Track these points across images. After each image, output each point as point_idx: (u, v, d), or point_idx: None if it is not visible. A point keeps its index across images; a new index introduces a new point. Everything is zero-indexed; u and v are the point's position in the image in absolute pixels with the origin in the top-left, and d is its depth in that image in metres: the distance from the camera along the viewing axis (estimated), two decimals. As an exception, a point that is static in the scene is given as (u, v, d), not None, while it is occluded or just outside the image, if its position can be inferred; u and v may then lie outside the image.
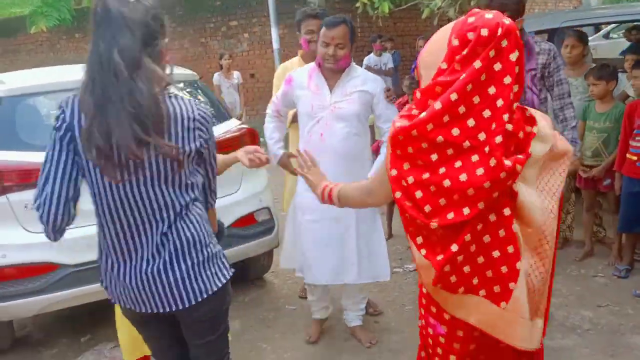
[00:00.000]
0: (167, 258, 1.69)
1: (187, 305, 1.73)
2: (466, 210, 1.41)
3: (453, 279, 1.48)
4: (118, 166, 1.57)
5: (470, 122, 1.42)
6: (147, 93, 1.52)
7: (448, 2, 5.38)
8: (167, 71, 1.66)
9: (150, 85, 1.54)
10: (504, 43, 1.41)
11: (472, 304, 1.52)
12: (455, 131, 1.42)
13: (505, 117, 1.39)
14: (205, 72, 9.59)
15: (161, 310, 1.74)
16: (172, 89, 1.68)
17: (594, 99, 3.90)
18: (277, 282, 4.12)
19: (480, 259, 1.48)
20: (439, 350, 1.68)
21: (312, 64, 2.95)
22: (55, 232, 1.62)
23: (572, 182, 4.08)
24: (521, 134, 1.47)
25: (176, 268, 1.70)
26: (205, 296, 1.74)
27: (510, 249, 1.48)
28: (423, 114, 1.44)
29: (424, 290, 1.64)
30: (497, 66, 1.41)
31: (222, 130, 3.50)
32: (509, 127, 1.42)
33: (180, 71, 4.35)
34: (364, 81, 2.90)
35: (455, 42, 1.44)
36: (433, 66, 1.48)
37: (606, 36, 12.20)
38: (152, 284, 1.69)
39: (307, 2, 9.14)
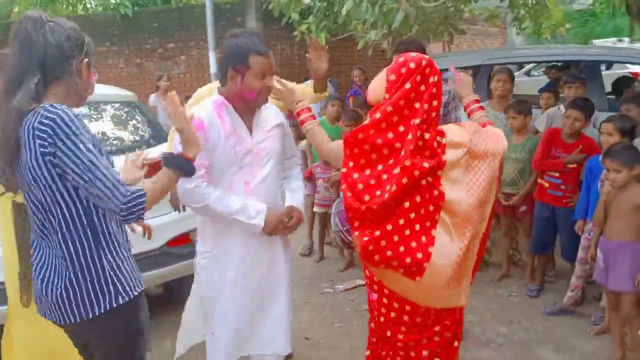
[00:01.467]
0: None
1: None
2: (387, 194, 1.90)
3: (376, 257, 1.96)
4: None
5: (401, 128, 1.96)
6: (8, 116, 1.62)
7: (381, 35, 5.67)
8: (89, 89, 1.78)
9: (18, 107, 1.61)
10: (427, 70, 2.01)
11: (392, 277, 2.02)
12: (390, 135, 1.96)
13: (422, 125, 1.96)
14: (139, 93, 9.50)
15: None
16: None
17: (512, 131, 4.23)
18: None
19: (402, 248, 1.93)
20: (375, 314, 2.20)
21: (214, 99, 2.34)
22: None
23: (490, 209, 4.37)
24: (435, 143, 1.98)
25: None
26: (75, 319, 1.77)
27: (424, 239, 1.95)
28: (366, 121, 2.00)
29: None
30: (422, 87, 2.01)
31: (160, 152, 3.54)
32: (427, 135, 1.95)
33: (117, 91, 4.37)
34: (275, 113, 2.50)
35: (392, 77, 2.02)
36: (379, 99, 2.04)
37: (527, 73, 13.06)
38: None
39: (246, 28, 9.29)
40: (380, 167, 1.96)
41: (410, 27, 5.06)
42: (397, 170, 1.90)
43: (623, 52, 7.73)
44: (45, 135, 1.57)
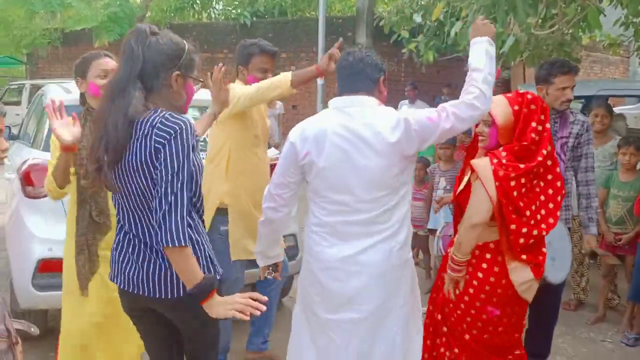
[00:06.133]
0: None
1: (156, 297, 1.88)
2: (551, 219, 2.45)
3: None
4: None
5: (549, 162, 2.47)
6: (115, 120, 1.77)
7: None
8: (181, 100, 1.91)
9: (125, 111, 1.76)
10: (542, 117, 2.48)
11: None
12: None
13: None
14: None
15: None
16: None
17: (625, 168, 4.02)
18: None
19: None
20: (490, 329, 2.47)
21: None
22: None
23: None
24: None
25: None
26: (174, 295, 1.88)
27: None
28: (514, 168, 2.36)
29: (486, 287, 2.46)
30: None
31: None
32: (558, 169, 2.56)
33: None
34: None
35: (516, 107, 2.44)
36: (508, 123, 2.44)
37: (649, 107, 12.15)
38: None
39: (355, 44, 9.48)
40: (543, 197, 2.43)
41: (521, 52, 4.95)
42: (559, 198, 2.45)
43: None
44: (166, 135, 1.74)
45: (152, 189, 1.78)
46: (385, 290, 2.15)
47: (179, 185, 1.72)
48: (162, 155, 1.74)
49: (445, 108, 2.12)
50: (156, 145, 1.75)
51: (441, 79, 11.34)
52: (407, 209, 2.21)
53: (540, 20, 4.44)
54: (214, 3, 13.65)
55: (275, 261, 2.51)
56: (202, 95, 2.95)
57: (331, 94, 10.69)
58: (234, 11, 11.69)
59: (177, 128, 1.75)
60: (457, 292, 2.46)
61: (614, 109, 6.29)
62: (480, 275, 2.45)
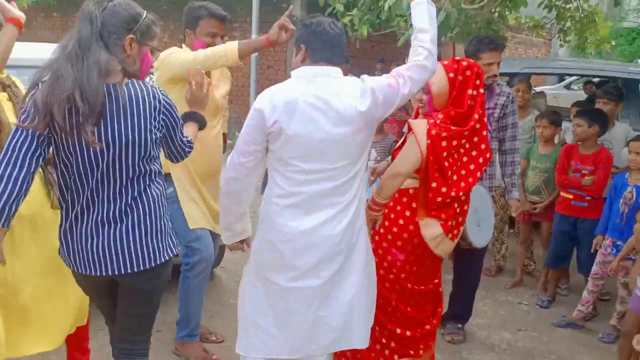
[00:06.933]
0: (129, 224, 1.89)
1: (134, 270, 1.92)
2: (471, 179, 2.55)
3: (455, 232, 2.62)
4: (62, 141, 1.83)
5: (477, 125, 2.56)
6: (92, 80, 1.76)
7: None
8: (134, 65, 1.93)
9: (96, 72, 1.77)
10: (478, 82, 2.58)
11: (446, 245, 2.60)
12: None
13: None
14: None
15: (110, 273, 1.92)
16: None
17: (541, 140, 4.24)
18: (225, 277, 4.27)
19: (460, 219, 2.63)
20: (394, 271, 2.58)
21: None
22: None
23: (505, 215, 4.40)
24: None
25: (136, 234, 1.90)
26: (152, 265, 1.94)
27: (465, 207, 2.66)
28: (446, 130, 2.46)
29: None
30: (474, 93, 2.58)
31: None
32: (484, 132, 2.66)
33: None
34: None
35: (451, 75, 2.54)
36: (442, 91, 2.57)
37: (568, 87, 12.86)
38: (112, 247, 1.89)
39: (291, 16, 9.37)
40: (465, 158, 2.53)
41: (452, 28, 5.06)
42: (481, 160, 2.54)
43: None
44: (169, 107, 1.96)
45: (148, 142, 1.91)
46: (343, 256, 2.20)
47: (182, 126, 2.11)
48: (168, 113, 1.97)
49: (401, 73, 2.16)
50: (159, 107, 1.92)
51: (375, 54, 11.47)
52: (362, 178, 2.25)
53: (470, -3, 4.57)
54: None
55: (244, 237, 2.42)
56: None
57: (264, 66, 10.59)
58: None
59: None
60: (371, 232, 2.55)
61: (535, 88, 6.61)
62: (392, 216, 2.58)
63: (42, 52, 3.36)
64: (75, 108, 1.76)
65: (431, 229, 2.51)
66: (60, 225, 1.96)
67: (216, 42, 2.77)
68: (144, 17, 1.92)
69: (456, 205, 2.54)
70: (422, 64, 2.16)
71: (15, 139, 1.78)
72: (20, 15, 2.31)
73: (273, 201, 2.17)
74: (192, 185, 2.90)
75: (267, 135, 2.09)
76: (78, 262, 1.93)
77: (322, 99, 2.07)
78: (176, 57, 2.68)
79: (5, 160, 1.77)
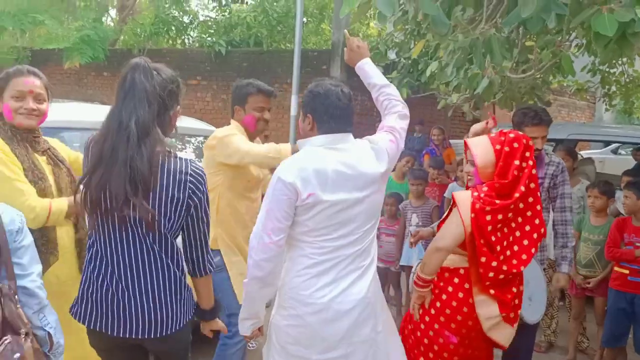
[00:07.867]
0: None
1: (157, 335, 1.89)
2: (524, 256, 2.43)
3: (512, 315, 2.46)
4: (104, 216, 1.83)
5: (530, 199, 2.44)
6: (146, 159, 1.77)
7: (463, 99, 5.66)
8: (172, 132, 1.95)
9: (152, 152, 1.78)
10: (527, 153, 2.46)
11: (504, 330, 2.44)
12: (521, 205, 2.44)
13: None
14: (221, 126, 9.91)
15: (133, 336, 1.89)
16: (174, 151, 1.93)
17: (593, 211, 4.07)
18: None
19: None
20: (445, 355, 2.46)
21: None
22: None
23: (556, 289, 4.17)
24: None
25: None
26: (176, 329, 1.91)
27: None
28: (491, 203, 2.35)
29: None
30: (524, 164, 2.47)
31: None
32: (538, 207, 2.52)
33: (202, 125, 4.58)
34: None
35: (497, 147, 2.44)
36: (487, 163, 2.46)
37: (615, 151, 12.52)
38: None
39: (330, 77, 9.54)
40: (518, 233, 2.41)
41: (494, 94, 5.02)
42: (536, 235, 2.41)
43: None
44: (196, 182, 1.90)
45: (174, 221, 1.89)
46: (371, 319, 2.17)
47: (207, 225, 1.98)
48: (197, 197, 1.91)
49: (394, 127, 2.32)
50: (191, 186, 1.89)
51: (414, 116, 11.49)
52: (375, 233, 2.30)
53: (514, 64, 4.52)
54: (189, 30, 13.61)
55: (262, 323, 2.27)
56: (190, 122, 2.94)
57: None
58: (209, 39, 11.64)
59: (203, 173, 1.93)
60: (421, 311, 2.49)
61: (581, 153, 6.44)
62: (444, 297, 2.47)
63: (87, 114, 3.47)
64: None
65: (487, 308, 2.39)
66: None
67: (264, 116, 2.92)
68: (180, 82, 1.92)
69: (514, 289, 2.41)
70: (403, 113, 2.38)
71: None
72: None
73: (301, 273, 2.09)
74: (238, 256, 2.90)
75: (295, 209, 2.04)
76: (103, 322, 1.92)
77: (349, 165, 2.08)
78: (230, 141, 2.72)
79: None
